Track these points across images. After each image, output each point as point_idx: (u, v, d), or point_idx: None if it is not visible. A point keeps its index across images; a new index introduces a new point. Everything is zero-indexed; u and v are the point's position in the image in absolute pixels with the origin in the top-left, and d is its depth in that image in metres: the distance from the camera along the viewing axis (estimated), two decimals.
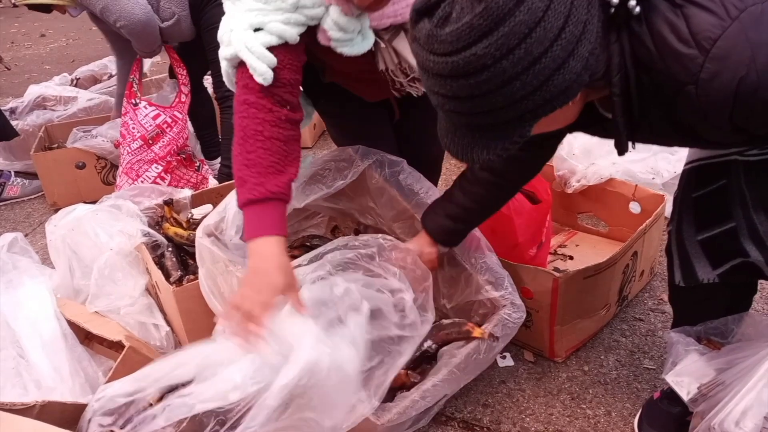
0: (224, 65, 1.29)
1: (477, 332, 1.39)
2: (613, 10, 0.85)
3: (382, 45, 1.34)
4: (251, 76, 1.21)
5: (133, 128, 2.49)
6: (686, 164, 1.22)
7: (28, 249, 1.75)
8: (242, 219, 1.26)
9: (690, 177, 1.20)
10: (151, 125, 2.48)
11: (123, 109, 2.53)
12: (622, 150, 1.00)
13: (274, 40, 1.19)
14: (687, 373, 1.22)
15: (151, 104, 2.52)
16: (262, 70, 1.19)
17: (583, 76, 0.83)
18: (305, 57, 1.31)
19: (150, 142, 2.48)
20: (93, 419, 0.97)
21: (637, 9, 0.85)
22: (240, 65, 1.25)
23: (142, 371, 1.11)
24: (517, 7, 0.75)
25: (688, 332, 1.27)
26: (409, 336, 1.30)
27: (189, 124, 2.63)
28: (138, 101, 2.49)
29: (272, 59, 1.20)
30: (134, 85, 2.54)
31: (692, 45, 0.83)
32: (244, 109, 1.23)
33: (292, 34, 1.21)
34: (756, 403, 1.05)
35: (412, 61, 1.36)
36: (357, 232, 1.81)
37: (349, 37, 1.24)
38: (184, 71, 2.58)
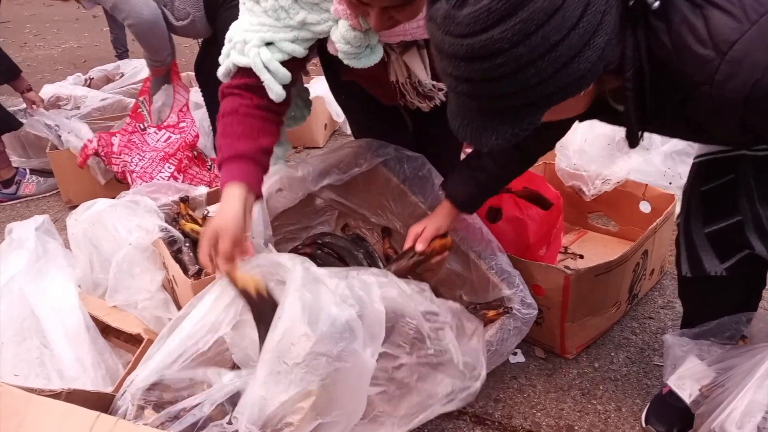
0: (229, 64, 1.34)
1: (491, 314, 1.47)
2: (632, 2, 0.85)
3: (393, 57, 1.37)
4: (242, 76, 1.31)
5: (142, 146, 2.55)
6: (696, 158, 1.24)
7: (54, 231, 1.79)
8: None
9: (699, 170, 1.22)
10: (163, 146, 2.55)
11: (128, 126, 2.58)
12: (633, 142, 1.01)
13: (285, 57, 1.28)
14: (688, 376, 1.24)
15: (160, 128, 2.57)
16: (278, 90, 1.29)
17: (598, 66, 0.82)
18: (308, 61, 1.38)
19: (160, 151, 2.55)
20: (129, 396, 1.00)
21: (656, 4, 0.85)
22: (240, 69, 1.32)
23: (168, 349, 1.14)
24: None
25: (684, 334, 1.29)
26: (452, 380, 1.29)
27: (196, 124, 2.69)
28: (146, 126, 2.54)
29: (287, 76, 1.29)
30: (141, 107, 2.58)
31: (709, 46, 0.83)
32: (227, 96, 1.34)
33: (301, 51, 1.29)
34: (755, 406, 1.07)
35: (422, 76, 1.39)
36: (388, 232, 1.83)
37: (357, 51, 1.28)
38: (182, 86, 2.63)
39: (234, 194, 1.24)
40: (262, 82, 1.29)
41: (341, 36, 1.24)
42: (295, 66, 1.32)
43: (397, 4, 1.12)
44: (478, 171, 1.44)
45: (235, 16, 2.33)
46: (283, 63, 1.28)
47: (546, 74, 0.79)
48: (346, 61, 1.29)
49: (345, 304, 1.10)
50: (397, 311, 1.22)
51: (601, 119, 1.16)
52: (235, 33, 1.30)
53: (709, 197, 1.19)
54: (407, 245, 1.47)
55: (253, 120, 1.31)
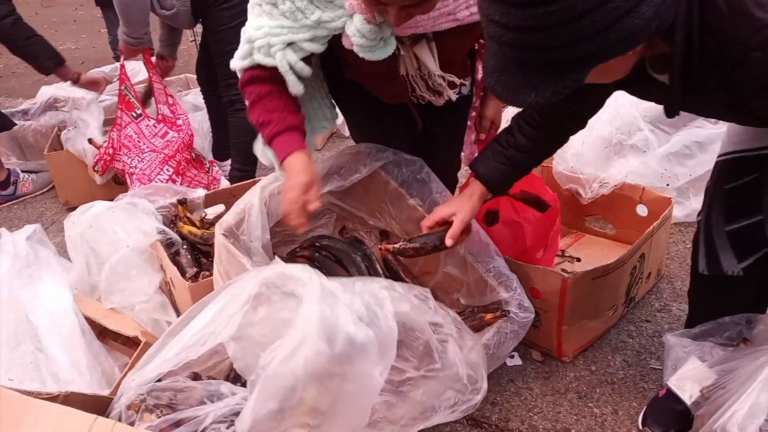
0: (251, 63, 1.38)
1: (489, 317, 1.48)
2: None
3: (404, 50, 1.40)
4: (261, 68, 1.38)
5: (140, 142, 2.52)
6: (719, 156, 1.23)
7: (46, 240, 1.79)
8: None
9: (723, 169, 1.21)
10: (160, 142, 2.53)
11: (121, 120, 2.55)
12: (672, 112, 0.98)
13: (305, 55, 1.36)
14: (689, 377, 1.24)
15: (159, 121, 2.55)
16: (300, 89, 1.38)
17: (652, 24, 0.79)
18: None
19: (159, 152, 2.54)
20: (125, 398, 1.00)
21: None
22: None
23: (169, 350, 1.13)
24: None
25: (685, 335, 1.29)
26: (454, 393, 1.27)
27: (191, 122, 2.68)
28: (139, 113, 2.52)
29: (309, 72, 1.38)
30: (128, 95, 2.55)
31: None
32: (254, 83, 1.41)
33: (319, 48, 1.36)
34: (758, 408, 1.07)
35: (432, 67, 1.41)
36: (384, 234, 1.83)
37: (372, 44, 1.31)
38: (158, 75, 2.63)
39: (305, 159, 1.36)
40: (286, 82, 1.36)
41: (357, 30, 1.28)
42: (310, 62, 1.39)
43: (416, 3, 1.15)
44: (511, 148, 1.39)
45: (225, 19, 2.37)
46: (302, 60, 1.36)
47: (599, 27, 0.76)
48: (361, 54, 1.33)
49: (362, 323, 1.09)
50: (407, 325, 1.22)
51: (632, 91, 1.12)
52: (254, 35, 1.35)
53: (733, 195, 1.18)
54: (430, 223, 1.44)
55: (290, 99, 1.40)
